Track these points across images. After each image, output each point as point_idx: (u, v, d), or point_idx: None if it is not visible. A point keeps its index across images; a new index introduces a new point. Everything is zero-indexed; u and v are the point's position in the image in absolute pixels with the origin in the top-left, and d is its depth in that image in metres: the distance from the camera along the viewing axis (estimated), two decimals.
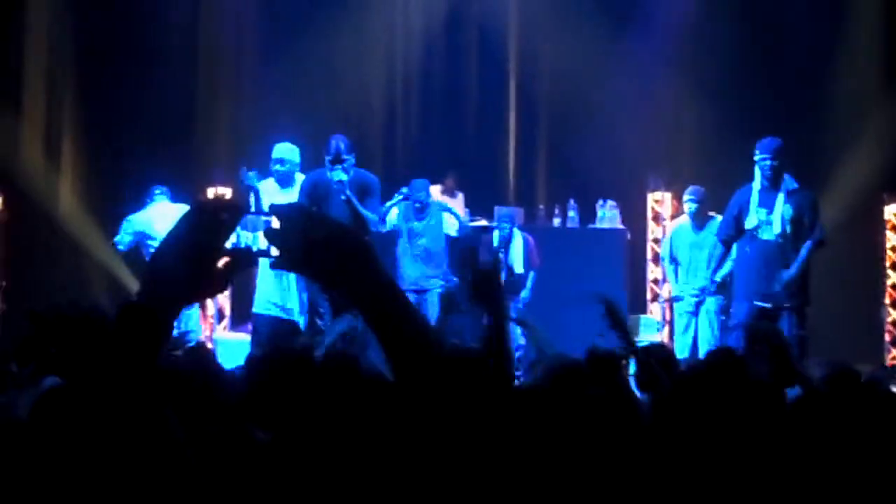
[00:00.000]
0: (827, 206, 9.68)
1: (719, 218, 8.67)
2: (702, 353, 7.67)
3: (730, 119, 9.60)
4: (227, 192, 10.16)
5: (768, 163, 7.02)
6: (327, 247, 1.64)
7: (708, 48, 10.43)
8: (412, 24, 11.54)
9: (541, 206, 10.85)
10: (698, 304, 8.24)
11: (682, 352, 8.02)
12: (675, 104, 10.51)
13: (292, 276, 7.48)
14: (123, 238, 8.37)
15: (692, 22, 10.56)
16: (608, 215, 9.89)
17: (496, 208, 9.30)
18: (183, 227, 1.63)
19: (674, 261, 8.53)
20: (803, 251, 7.02)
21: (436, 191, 10.00)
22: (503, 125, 11.45)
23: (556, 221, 10.32)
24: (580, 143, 10.56)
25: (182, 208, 8.31)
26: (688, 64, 10.57)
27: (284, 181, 7.40)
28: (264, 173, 7.40)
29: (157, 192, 8.60)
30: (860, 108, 10.08)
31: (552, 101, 11.28)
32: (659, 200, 10.58)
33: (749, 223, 7.11)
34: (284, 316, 7.35)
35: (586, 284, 8.71)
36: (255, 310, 7.47)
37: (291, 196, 7.32)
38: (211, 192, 9.79)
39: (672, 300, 8.47)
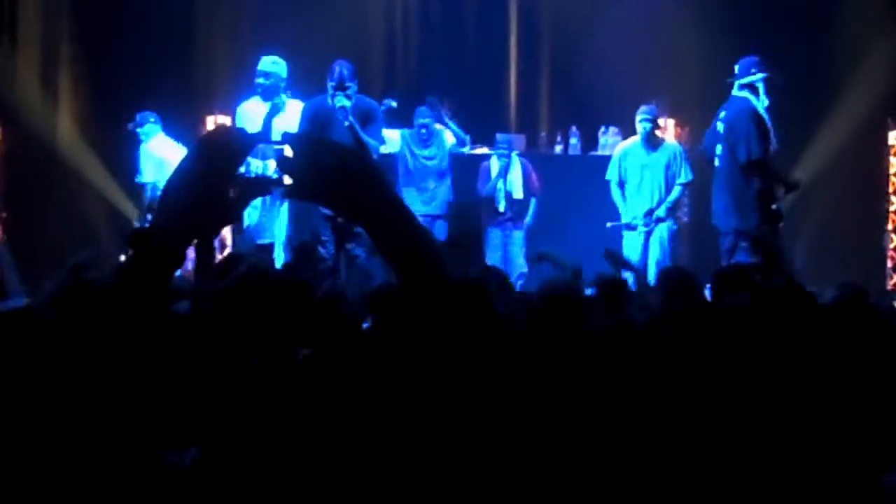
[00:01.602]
0: (831, 132, 9.66)
1: (670, 141, 8.67)
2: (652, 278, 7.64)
3: (733, 44, 9.47)
4: (226, 121, 10.12)
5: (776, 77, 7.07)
6: (338, 173, 1.62)
7: None
8: None
9: (542, 133, 10.79)
10: (648, 233, 8.13)
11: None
12: (679, 28, 10.37)
13: (283, 208, 7.49)
14: (145, 172, 8.45)
15: None
16: (610, 142, 9.83)
17: (497, 135, 9.24)
18: (195, 157, 1.61)
19: (621, 183, 8.29)
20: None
21: None
22: (504, 51, 11.33)
23: (558, 148, 10.27)
24: (582, 69, 10.45)
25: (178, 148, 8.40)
26: None
27: (267, 94, 7.34)
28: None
29: (151, 120, 8.57)
30: (865, 33, 9.95)
31: (554, 26, 11.15)
32: (661, 127, 10.50)
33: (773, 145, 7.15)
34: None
35: (588, 212, 8.75)
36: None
37: (282, 118, 7.29)
38: (211, 121, 9.74)
39: (623, 227, 8.25)
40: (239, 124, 7.42)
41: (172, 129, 8.88)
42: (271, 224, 7.37)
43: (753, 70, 7.19)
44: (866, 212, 9.96)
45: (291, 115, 7.20)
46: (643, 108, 8.25)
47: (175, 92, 9.37)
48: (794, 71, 9.65)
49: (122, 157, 9.35)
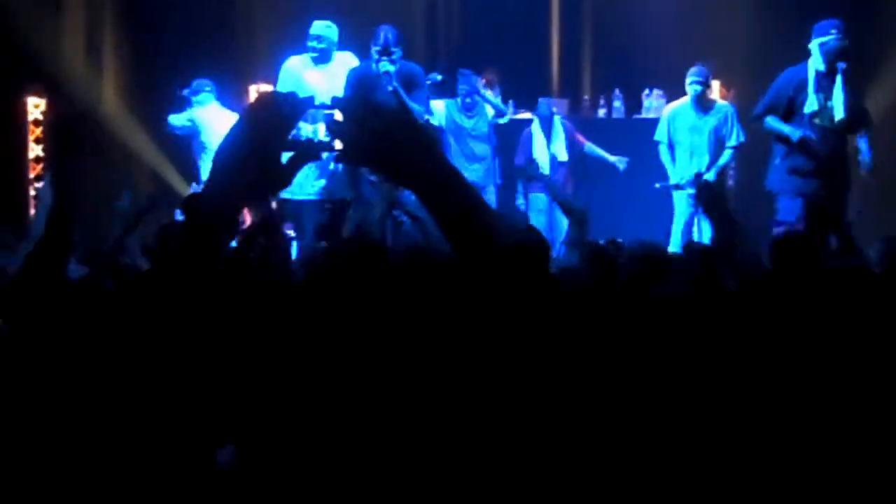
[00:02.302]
0: (880, 91, 9.48)
1: (721, 101, 8.50)
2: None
3: (780, 5, 9.33)
4: (268, 88, 10.15)
5: (837, 43, 6.83)
6: (389, 137, 1.62)
7: None
8: None
9: (585, 97, 10.71)
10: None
11: (675, 244, 7.73)
12: None
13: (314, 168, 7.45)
14: (180, 119, 8.45)
15: None
16: (654, 105, 9.74)
17: (540, 100, 9.18)
18: (245, 122, 1.61)
19: (670, 145, 8.17)
20: (865, 144, 6.94)
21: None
22: (546, 15, 11.24)
23: (602, 112, 10.19)
24: (625, 31, 10.35)
25: (231, 117, 8.41)
26: None
27: (321, 59, 7.34)
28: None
29: (207, 89, 8.58)
30: None
31: None
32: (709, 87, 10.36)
33: (808, 107, 6.91)
34: (316, 197, 7.33)
35: (632, 175, 8.68)
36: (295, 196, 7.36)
37: (327, 74, 7.27)
38: (253, 90, 9.76)
39: (672, 187, 8.14)
40: (282, 81, 7.40)
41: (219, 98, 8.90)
42: (305, 181, 7.30)
43: (813, 35, 7.03)
44: None
45: (340, 68, 7.20)
46: (693, 69, 8.12)
47: (218, 60, 9.39)
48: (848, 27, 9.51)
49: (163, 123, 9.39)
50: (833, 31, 6.86)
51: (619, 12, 10.54)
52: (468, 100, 8.52)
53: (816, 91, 6.91)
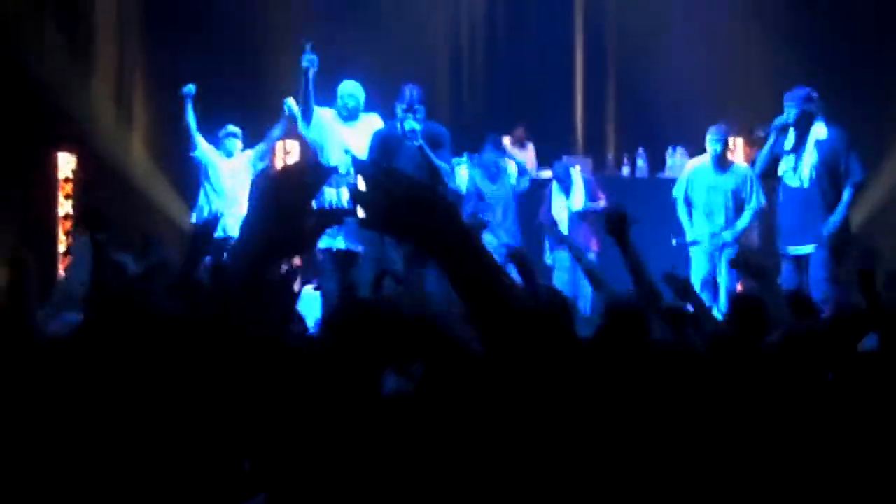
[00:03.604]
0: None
1: (742, 164, 8.58)
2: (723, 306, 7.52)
3: (801, 63, 9.39)
4: (293, 147, 10.25)
5: (790, 110, 7.04)
6: (413, 205, 1.64)
7: None
8: None
9: (609, 155, 10.76)
10: (720, 250, 8.02)
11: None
12: (747, 48, 10.30)
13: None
14: (199, 146, 8.52)
15: None
16: (678, 163, 9.77)
17: (555, 162, 9.23)
18: (271, 190, 1.65)
19: (688, 202, 8.16)
20: (844, 197, 6.99)
21: (506, 142, 9.98)
22: (570, 73, 11.35)
23: (625, 170, 10.23)
24: (649, 89, 10.42)
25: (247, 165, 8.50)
26: (758, 6, 10.34)
27: (349, 117, 7.42)
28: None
29: (232, 135, 8.66)
30: None
31: (620, 46, 11.14)
32: (730, 147, 10.40)
33: (780, 169, 7.13)
34: (344, 246, 7.34)
35: (655, 234, 8.67)
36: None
37: (356, 131, 7.35)
38: (279, 146, 9.87)
39: (689, 244, 8.15)
40: (314, 127, 7.45)
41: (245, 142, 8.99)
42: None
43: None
44: None
45: (367, 128, 7.28)
46: (713, 128, 8.17)
47: (247, 117, 9.51)
48: (863, 86, 9.54)
49: (192, 179, 9.48)
50: (787, 101, 7.11)
51: (643, 70, 10.61)
52: (493, 169, 8.56)
53: (790, 152, 7.15)
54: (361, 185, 1.64)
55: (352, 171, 1.79)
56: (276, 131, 8.70)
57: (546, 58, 11.23)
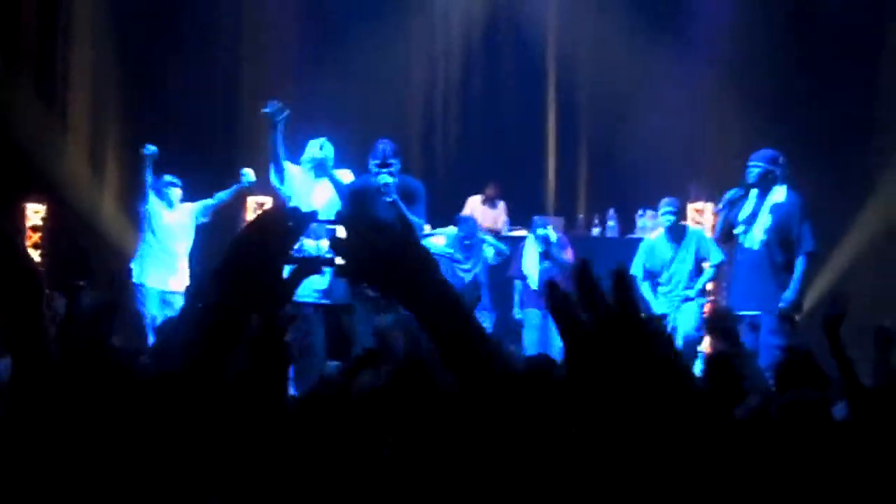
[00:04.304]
0: (872, 215, 9.60)
1: (692, 227, 8.70)
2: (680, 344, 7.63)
3: (775, 128, 9.50)
4: (266, 201, 10.23)
5: (753, 170, 7.09)
6: (392, 257, 1.63)
7: (752, 54, 10.34)
8: (451, 34, 11.57)
9: (580, 215, 10.81)
10: (681, 303, 8.08)
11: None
12: (719, 113, 10.42)
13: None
14: (150, 201, 8.51)
15: (736, 27, 10.48)
16: (648, 225, 9.83)
17: (534, 218, 9.27)
18: (249, 236, 1.62)
19: (648, 276, 8.22)
20: (797, 268, 6.98)
21: (476, 200, 10.00)
22: (542, 134, 11.43)
23: (596, 231, 10.28)
24: (620, 151, 10.51)
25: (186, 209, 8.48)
26: (731, 70, 10.49)
27: (319, 173, 7.43)
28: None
29: (172, 184, 8.67)
30: None
31: (592, 109, 11.24)
32: (700, 210, 10.49)
33: (737, 229, 7.15)
34: (329, 302, 7.28)
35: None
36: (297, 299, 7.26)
37: (327, 187, 7.34)
38: (252, 201, 9.84)
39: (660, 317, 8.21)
40: (287, 183, 7.43)
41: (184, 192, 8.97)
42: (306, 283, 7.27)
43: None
44: None
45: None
46: (665, 200, 8.29)
47: (218, 171, 9.50)
48: (839, 152, 9.66)
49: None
50: (751, 160, 7.17)
51: (614, 132, 10.71)
52: (467, 242, 8.57)
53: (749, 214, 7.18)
54: (341, 234, 1.63)
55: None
56: (224, 194, 8.75)
57: (519, 117, 11.33)
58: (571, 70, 11.36)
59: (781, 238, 7.00)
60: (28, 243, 9.85)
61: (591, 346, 1.27)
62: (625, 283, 1.34)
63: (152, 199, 8.66)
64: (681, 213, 8.38)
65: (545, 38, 11.39)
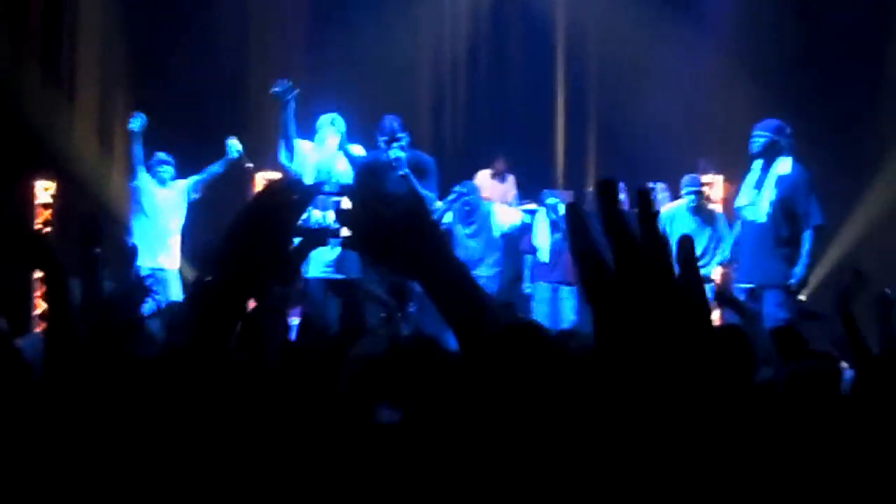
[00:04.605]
0: (876, 196, 9.56)
1: (717, 210, 8.70)
2: None
3: (783, 101, 9.45)
4: (275, 177, 10.22)
5: (759, 140, 7.01)
6: (398, 227, 1.62)
7: (761, 28, 10.28)
8: (458, 10, 11.51)
9: (589, 189, 10.78)
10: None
11: None
12: (728, 85, 10.37)
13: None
14: (139, 176, 8.49)
15: (747, 4, 10.42)
16: (659, 198, 9.79)
17: (544, 192, 9.24)
18: (255, 208, 1.62)
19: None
20: (805, 243, 6.88)
21: (486, 175, 9.97)
22: (551, 108, 11.38)
23: None
24: (630, 125, 10.46)
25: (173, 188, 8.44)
26: (740, 44, 10.42)
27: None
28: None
29: (164, 162, 8.65)
30: None
31: (601, 82, 11.19)
32: (709, 183, 10.44)
33: (738, 201, 7.08)
34: (340, 276, 7.28)
35: None
36: (307, 274, 7.31)
37: (342, 159, 7.34)
38: (260, 178, 9.84)
39: None
40: (296, 161, 7.43)
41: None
42: (315, 257, 7.28)
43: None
44: None
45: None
46: (686, 178, 8.31)
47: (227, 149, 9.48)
48: (844, 129, 9.61)
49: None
50: (755, 129, 7.19)
51: (623, 106, 10.66)
52: (467, 207, 8.53)
53: (755, 186, 7.10)
54: (346, 206, 1.62)
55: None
56: (216, 167, 8.70)
57: (527, 92, 11.28)
58: (580, 45, 11.30)
59: (787, 211, 6.90)
60: (38, 220, 9.87)
61: (615, 270, 1.26)
62: (648, 201, 1.31)
63: (143, 175, 8.60)
64: (701, 191, 8.40)
65: (553, 12, 11.33)
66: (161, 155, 8.71)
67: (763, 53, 10.27)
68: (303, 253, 1.66)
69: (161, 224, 8.57)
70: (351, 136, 7.58)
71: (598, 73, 11.22)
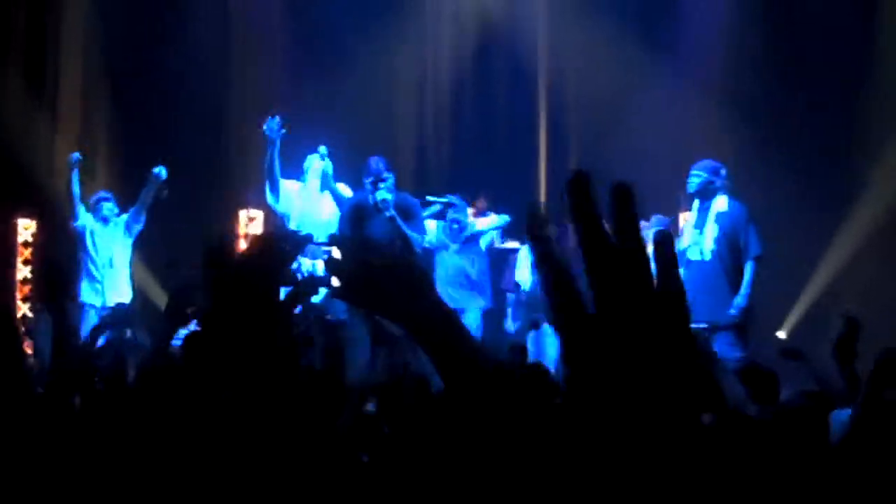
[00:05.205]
0: (857, 220, 9.62)
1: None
2: None
3: (764, 137, 9.55)
4: (258, 215, 10.23)
5: (695, 180, 7.16)
6: (387, 277, 1.64)
7: (742, 66, 10.38)
8: (443, 49, 11.59)
9: (570, 226, 10.81)
10: None
11: None
12: (709, 124, 10.44)
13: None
14: (80, 215, 8.36)
15: (725, 41, 10.52)
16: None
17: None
18: (246, 259, 1.64)
19: None
20: (747, 274, 7.00)
21: (468, 213, 10.00)
22: (534, 146, 11.45)
23: None
24: (611, 163, 10.51)
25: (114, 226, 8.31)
26: (721, 83, 10.52)
27: (323, 184, 7.44)
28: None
29: (105, 199, 8.54)
30: None
31: (583, 121, 11.27)
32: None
33: (680, 244, 7.14)
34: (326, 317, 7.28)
35: None
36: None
37: (329, 200, 7.35)
38: (244, 215, 9.85)
39: None
40: (283, 200, 7.45)
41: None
42: None
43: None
44: None
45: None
46: (654, 219, 8.36)
47: (211, 184, 9.50)
48: (825, 162, 9.68)
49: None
50: (692, 169, 7.37)
51: (605, 143, 10.73)
52: (455, 226, 8.58)
53: (695, 226, 7.22)
54: (336, 255, 1.64)
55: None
56: (142, 195, 8.45)
57: (510, 130, 11.35)
58: (561, 85, 11.39)
59: (731, 245, 7.09)
60: (20, 259, 9.83)
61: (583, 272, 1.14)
62: (627, 195, 1.16)
63: (83, 214, 8.44)
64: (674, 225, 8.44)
65: (535, 52, 11.43)
66: (102, 193, 8.59)
67: (742, 87, 10.37)
68: (294, 301, 1.68)
69: (108, 261, 8.39)
70: (336, 174, 7.61)
71: (580, 112, 11.30)
